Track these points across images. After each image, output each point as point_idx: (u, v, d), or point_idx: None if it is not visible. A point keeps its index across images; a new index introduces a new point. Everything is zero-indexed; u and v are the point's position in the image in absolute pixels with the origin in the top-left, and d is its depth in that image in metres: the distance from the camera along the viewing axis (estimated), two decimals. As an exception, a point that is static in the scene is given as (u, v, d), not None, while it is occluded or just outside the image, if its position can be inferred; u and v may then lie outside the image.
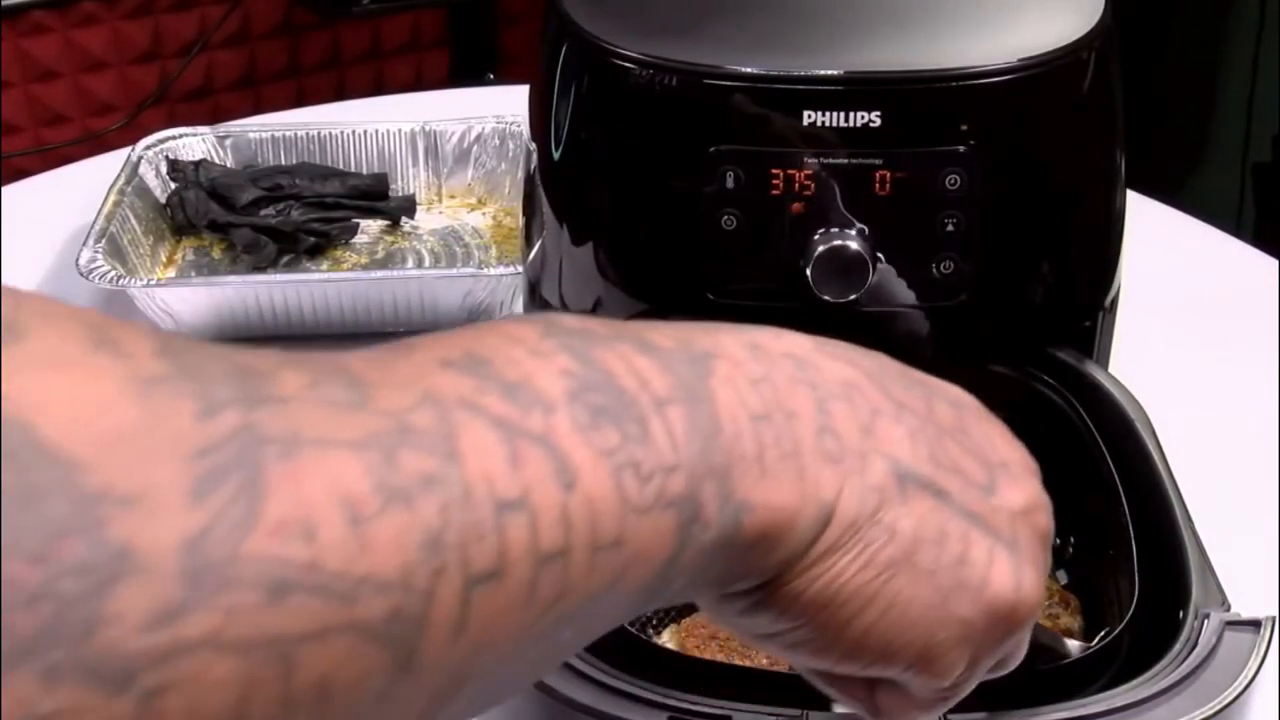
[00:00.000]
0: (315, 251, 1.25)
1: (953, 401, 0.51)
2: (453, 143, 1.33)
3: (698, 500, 0.40)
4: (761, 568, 0.44)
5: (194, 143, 1.32)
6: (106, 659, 0.29)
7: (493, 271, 1.12)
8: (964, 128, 0.78)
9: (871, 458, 0.45)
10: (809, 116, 0.78)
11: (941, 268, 0.80)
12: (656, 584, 0.41)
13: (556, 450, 0.38)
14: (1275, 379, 1.07)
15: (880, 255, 0.80)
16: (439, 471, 0.35)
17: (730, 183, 0.79)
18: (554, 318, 0.42)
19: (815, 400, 0.45)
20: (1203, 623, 0.71)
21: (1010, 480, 0.50)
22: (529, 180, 0.90)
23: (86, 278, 1.11)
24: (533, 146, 0.89)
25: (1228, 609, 0.72)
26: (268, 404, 0.33)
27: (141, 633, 0.30)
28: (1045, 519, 0.51)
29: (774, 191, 0.79)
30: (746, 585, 0.45)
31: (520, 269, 0.96)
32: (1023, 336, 0.86)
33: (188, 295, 1.13)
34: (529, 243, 0.91)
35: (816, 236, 0.79)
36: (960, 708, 0.60)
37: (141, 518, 0.30)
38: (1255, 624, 0.72)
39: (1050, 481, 0.77)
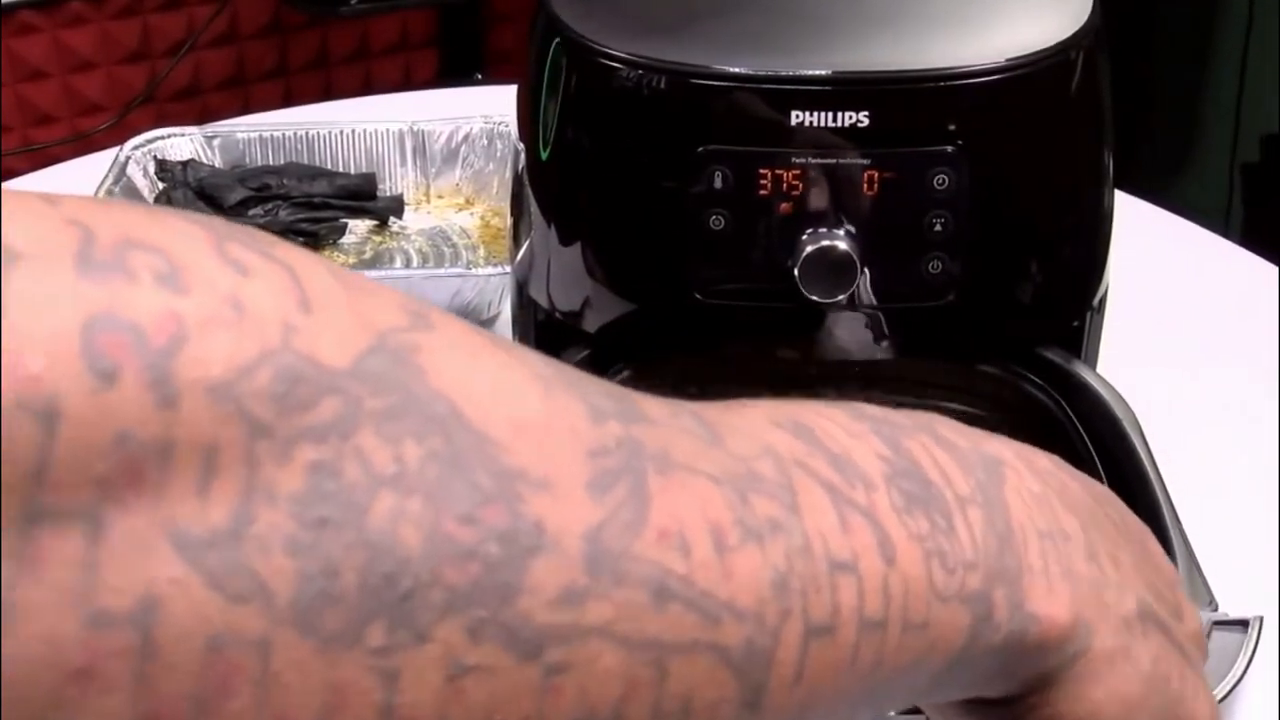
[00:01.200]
0: (303, 251, 1.24)
1: (1130, 514, 0.52)
2: (441, 142, 1.33)
3: (990, 601, 0.42)
4: (1022, 676, 0.45)
5: (182, 143, 1.32)
6: (521, 626, 0.31)
7: (481, 272, 1.12)
8: (952, 128, 0.79)
9: (1125, 591, 0.46)
10: (797, 116, 0.78)
11: (929, 268, 0.80)
12: (944, 675, 0.42)
13: (879, 525, 0.39)
14: (1264, 380, 1.08)
15: (868, 255, 0.80)
16: (784, 519, 0.37)
17: (718, 183, 0.79)
18: (858, 405, 0.44)
19: (1081, 525, 0.46)
20: (1190, 622, 0.71)
21: (1184, 602, 0.51)
22: (517, 180, 0.90)
23: (74, 278, 1.11)
24: (521, 146, 0.89)
25: (1215, 608, 0.72)
26: (641, 422, 0.35)
27: (551, 608, 0.32)
28: (1204, 639, 0.53)
29: (762, 192, 0.79)
30: (999, 693, 0.46)
31: (508, 269, 0.96)
32: (1011, 336, 0.86)
33: (175, 295, 1.13)
34: (517, 243, 0.91)
35: (804, 236, 0.79)
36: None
37: (552, 501, 0.32)
38: (1243, 623, 0.72)
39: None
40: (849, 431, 0.41)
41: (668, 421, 0.36)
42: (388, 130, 1.33)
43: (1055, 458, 0.49)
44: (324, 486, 0.29)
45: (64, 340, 0.27)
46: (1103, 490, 0.51)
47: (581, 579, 0.32)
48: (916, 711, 0.52)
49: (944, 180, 0.79)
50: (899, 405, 0.85)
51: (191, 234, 0.29)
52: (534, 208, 0.87)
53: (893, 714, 0.67)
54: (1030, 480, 0.45)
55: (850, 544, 0.38)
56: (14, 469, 0.26)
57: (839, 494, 0.39)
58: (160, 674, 0.28)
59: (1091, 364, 0.88)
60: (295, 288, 0.30)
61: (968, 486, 0.43)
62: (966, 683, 0.44)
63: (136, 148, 1.30)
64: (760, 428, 0.39)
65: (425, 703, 0.30)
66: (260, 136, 1.33)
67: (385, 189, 1.32)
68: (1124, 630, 0.46)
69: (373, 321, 0.31)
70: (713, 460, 0.36)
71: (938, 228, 0.80)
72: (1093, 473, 0.80)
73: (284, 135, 1.32)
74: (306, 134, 1.33)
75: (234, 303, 0.29)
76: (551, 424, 0.33)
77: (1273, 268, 1.22)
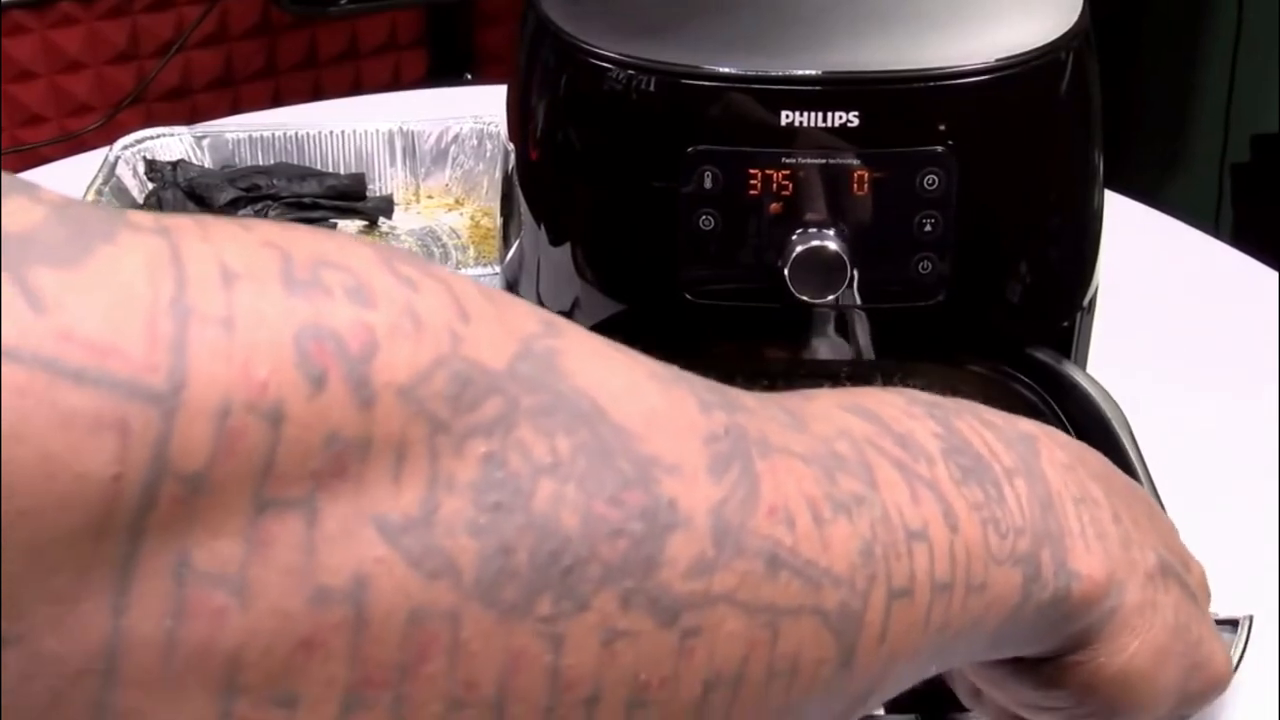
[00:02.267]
0: (293, 252, 1.24)
1: (1127, 477, 0.55)
2: (430, 143, 1.33)
3: (1038, 561, 0.46)
4: (1066, 633, 0.49)
5: (171, 143, 1.32)
6: (662, 595, 0.35)
7: (471, 272, 1.12)
8: (942, 128, 0.79)
9: (1146, 548, 0.51)
10: (787, 116, 0.78)
11: (919, 268, 0.80)
12: (1003, 630, 0.46)
13: (942, 496, 0.43)
14: (1254, 380, 1.08)
15: (858, 255, 0.80)
16: (865, 494, 0.41)
17: (708, 183, 0.79)
18: (909, 391, 0.48)
19: (1104, 491, 0.51)
20: (1180, 622, 0.71)
21: (1186, 552, 0.56)
22: (506, 180, 0.90)
23: (62, 278, 1.10)
24: (510, 147, 0.89)
25: (1205, 608, 0.72)
26: (740, 411, 0.40)
27: (685, 578, 0.35)
28: (1208, 583, 0.57)
29: (752, 192, 0.79)
30: (1044, 651, 0.50)
31: (498, 269, 0.96)
32: (1001, 336, 0.86)
33: (164, 296, 1.13)
34: (507, 243, 0.90)
35: (794, 237, 0.79)
36: (951, 706, 0.61)
37: (682, 483, 0.36)
38: (1232, 623, 0.72)
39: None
40: (907, 414, 0.46)
41: (759, 410, 0.40)
42: (377, 131, 1.33)
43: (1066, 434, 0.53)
44: (494, 475, 0.33)
45: (282, 349, 0.30)
46: (1103, 457, 0.54)
47: (710, 551, 0.36)
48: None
49: (934, 180, 0.79)
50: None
51: (366, 255, 0.33)
52: (524, 208, 0.86)
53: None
54: (1059, 453, 0.50)
55: (921, 514, 0.42)
56: (248, 464, 0.29)
57: (907, 469, 0.43)
58: (371, 644, 0.31)
59: (1081, 364, 0.88)
60: (454, 301, 0.34)
61: (1011, 460, 0.47)
62: (1020, 640, 0.48)
63: (126, 148, 1.29)
64: (833, 413, 0.44)
65: (586, 664, 0.34)
66: (250, 137, 1.32)
67: (375, 189, 1.32)
68: (1149, 584, 0.50)
69: (517, 329, 0.35)
70: (801, 443, 0.40)
71: (927, 228, 0.80)
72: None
73: (273, 135, 1.32)
74: (296, 134, 1.32)
75: (411, 314, 0.32)
76: (673, 415, 0.37)
77: (1263, 267, 1.22)
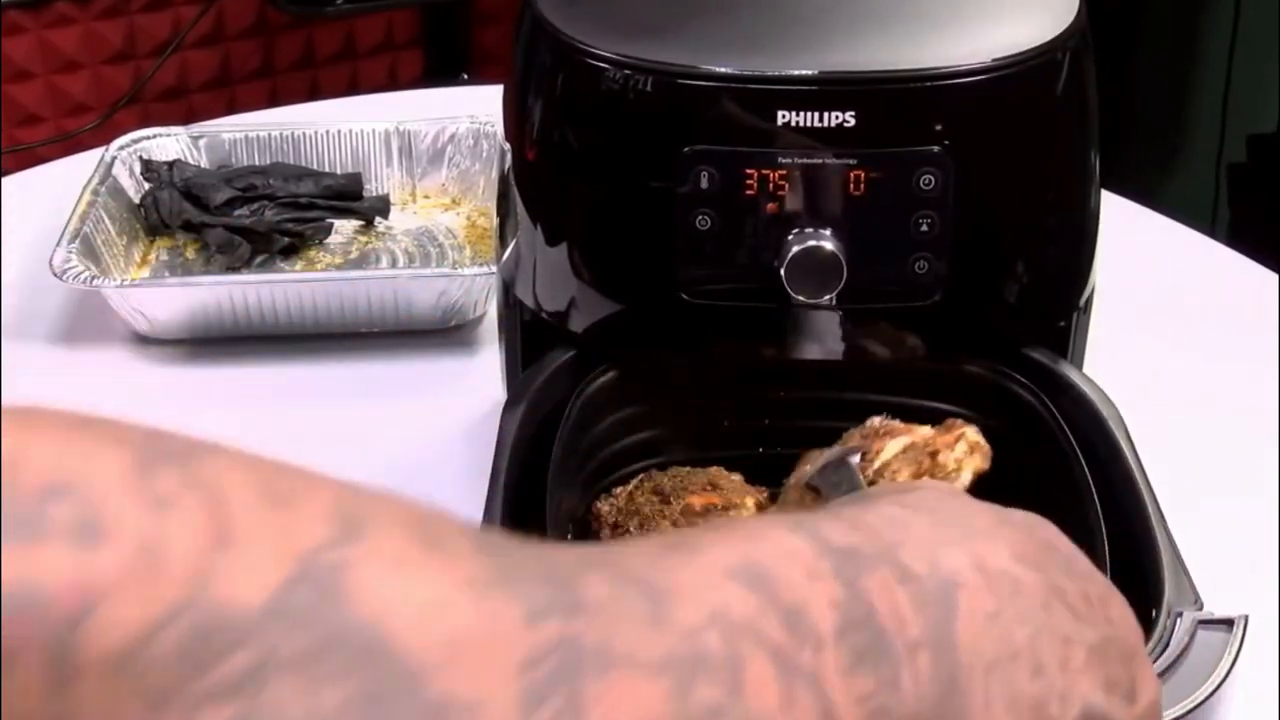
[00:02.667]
0: (289, 252, 1.24)
1: (1087, 574, 0.52)
2: (427, 143, 1.33)
3: None
4: None
5: (168, 143, 1.32)
6: None
7: (467, 272, 1.12)
8: (938, 128, 0.78)
9: (1071, 699, 0.47)
10: (783, 116, 0.78)
11: (915, 268, 0.80)
12: None
13: (823, 693, 0.39)
14: (1250, 378, 1.08)
15: (854, 256, 0.80)
16: (725, 705, 0.36)
17: (704, 183, 0.79)
18: (823, 531, 0.43)
19: (1029, 637, 0.46)
20: (1175, 621, 0.71)
21: (1142, 672, 0.52)
22: (503, 180, 0.90)
23: (60, 278, 1.11)
24: (507, 146, 0.89)
25: (1200, 608, 0.72)
26: (581, 613, 0.35)
27: None
28: (1160, 708, 0.53)
29: (748, 192, 0.79)
30: None
31: (494, 269, 0.96)
32: (997, 337, 0.86)
33: (161, 296, 1.13)
34: (503, 243, 0.90)
35: (791, 237, 0.79)
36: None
37: None
38: (1228, 622, 0.72)
39: (1023, 481, 0.77)
40: (809, 573, 0.41)
41: (610, 606, 0.36)
42: (374, 130, 1.33)
43: (1015, 528, 0.49)
44: None
45: None
46: (1064, 548, 0.51)
47: None
48: None
49: (930, 180, 0.79)
50: (886, 405, 0.85)
51: (114, 471, 0.29)
52: (520, 208, 0.86)
53: None
54: (984, 598, 0.45)
55: (793, 718, 0.38)
56: None
57: (786, 660, 0.38)
58: None
59: (1078, 364, 0.88)
60: (213, 521, 0.29)
61: (919, 628, 0.43)
62: None
63: (122, 148, 1.29)
64: (713, 583, 0.39)
65: None
66: (246, 136, 1.32)
67: (371, 189, 1.32)
68: None
69: (297, 543, 0.30)
70: (656, 645, 0.36)
71: (924, 228, 0.80)
72: (1078, 472, 0.80)
73: (270, 135, 1.32)
74: (292, 134, 1.32)
75: (148, 551, 0.28)
76: (482, 636, 0.32)
77: (1259, 267, 1.22)
